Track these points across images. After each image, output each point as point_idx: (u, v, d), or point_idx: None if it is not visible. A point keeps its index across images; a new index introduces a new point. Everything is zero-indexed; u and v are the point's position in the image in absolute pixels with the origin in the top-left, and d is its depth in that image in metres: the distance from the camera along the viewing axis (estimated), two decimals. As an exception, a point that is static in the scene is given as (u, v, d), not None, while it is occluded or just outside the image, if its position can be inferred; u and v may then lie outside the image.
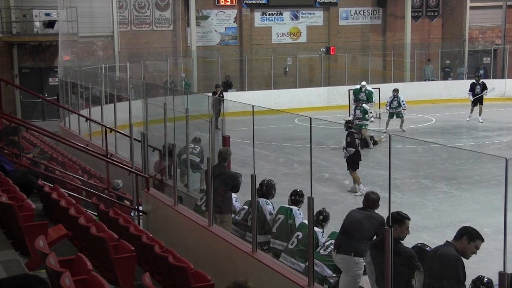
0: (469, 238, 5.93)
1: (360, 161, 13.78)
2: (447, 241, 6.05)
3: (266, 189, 8.99)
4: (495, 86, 25.30)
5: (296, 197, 8.63)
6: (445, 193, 13.98)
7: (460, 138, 20.34)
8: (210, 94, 21.38)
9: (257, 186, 8.42)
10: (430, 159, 17.48)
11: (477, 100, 23.03)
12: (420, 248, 6.69)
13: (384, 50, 31.50)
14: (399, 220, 6.52)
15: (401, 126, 21.41)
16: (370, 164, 16.51)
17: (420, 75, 30.62)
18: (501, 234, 4.79)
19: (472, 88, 23.35)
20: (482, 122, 22.56)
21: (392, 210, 5.85)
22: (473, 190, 14.21)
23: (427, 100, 27.35)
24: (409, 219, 6.62)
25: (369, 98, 23.36)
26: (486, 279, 6.11)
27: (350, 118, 23.53)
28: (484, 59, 32.10)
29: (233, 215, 9.36)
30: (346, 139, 14.03)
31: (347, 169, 13.85)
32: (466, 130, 21.48)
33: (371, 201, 7.42)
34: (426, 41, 32.31)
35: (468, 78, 30.58)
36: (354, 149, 13.75)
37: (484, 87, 23.20)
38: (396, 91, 22.18)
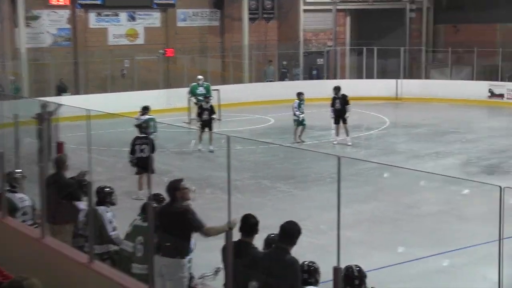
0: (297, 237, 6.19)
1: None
2: (279, 245, 6.15)
3: (103, 196, 8.60)
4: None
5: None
6: (284, 192, 14.27)
7: (297, 137, 20.85)
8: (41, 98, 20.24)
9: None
10: (269, 159, 17.81)
11: (340, 118, 19.48)
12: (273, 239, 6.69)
13: (223, 51, 31.80)
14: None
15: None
16: (212, 166, 16.52)
17: (258, 76, 31.20)
18: (335, 230, 4.86)
19: (332, 104, 19.71)
20: (350, 144, 19.35)
21: (233, 212, 5.80)
22: (310, 188, 14.64)
23: (265, 101, 27.89)
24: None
25: (208, 91, 23.30)
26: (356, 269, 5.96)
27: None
28: (318, 60, 33.28)
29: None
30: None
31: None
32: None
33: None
34: (263, 42, 32.97)
35: (304, 78, 31.68)
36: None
37: (345, 101, 19.51)
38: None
